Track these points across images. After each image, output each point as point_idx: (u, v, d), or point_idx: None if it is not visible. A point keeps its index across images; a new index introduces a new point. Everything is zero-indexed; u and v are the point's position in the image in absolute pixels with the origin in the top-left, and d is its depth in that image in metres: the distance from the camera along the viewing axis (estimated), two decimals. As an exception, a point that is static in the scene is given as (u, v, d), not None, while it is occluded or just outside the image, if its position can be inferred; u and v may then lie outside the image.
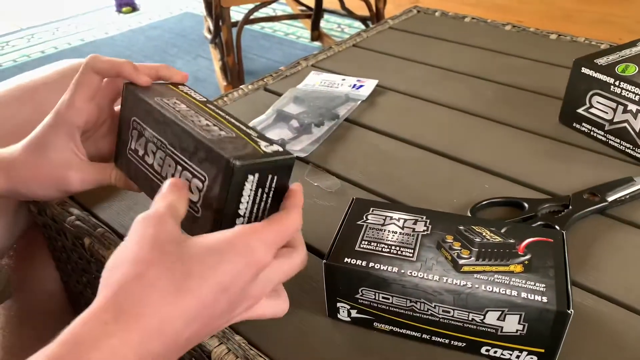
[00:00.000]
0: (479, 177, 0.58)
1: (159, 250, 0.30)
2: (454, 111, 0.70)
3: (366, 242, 0.40)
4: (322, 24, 2.17)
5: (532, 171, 0.58)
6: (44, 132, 0.44)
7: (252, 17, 1.82)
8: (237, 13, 2.29)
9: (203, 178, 0.36)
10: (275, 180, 0.37)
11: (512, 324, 0.36)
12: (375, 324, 0.40)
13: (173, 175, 0.39)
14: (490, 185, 0.56)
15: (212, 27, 1.81)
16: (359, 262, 0.38)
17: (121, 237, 0.50)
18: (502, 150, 0.62)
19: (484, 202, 0.52)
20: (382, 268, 0.37)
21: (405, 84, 0.77)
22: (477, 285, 0.36)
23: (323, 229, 0.50)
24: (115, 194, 0.57)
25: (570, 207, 0.51)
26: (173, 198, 0.34)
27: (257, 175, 0.36)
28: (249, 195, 0.36)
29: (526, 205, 0.51)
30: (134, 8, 2.76)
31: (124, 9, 2.72)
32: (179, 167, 0.38)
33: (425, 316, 0.38)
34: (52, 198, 0.48)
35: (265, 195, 0.37)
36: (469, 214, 0.51)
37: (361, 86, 0.76)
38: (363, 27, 2.09)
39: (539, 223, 0.50)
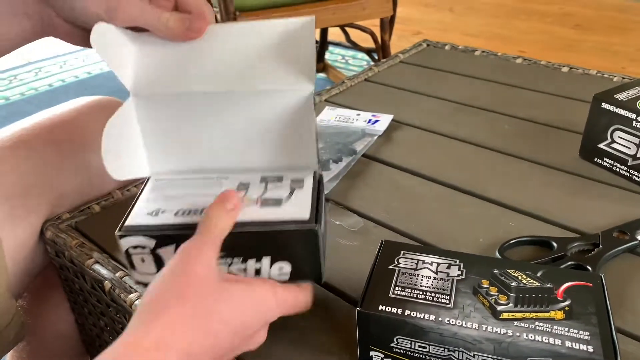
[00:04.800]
0: (503, 214, 0.57)
1: (201, 287, 0.34)
2: (473, 146, 0.70)
3: (400, 288, 0.39)
4: (326, 55, 2.19)
5: (557, 208, 0.57)
6: None
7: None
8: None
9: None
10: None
11: (556, 375, 0.35)
12: (410, 373, 0.39)
13: None
14: (515, 223, 0.55)
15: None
16: (394, 309, 0.37)
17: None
18: (524, 187, 0.61)
19: (512, 242, 0.51)
20: (418, 316, 0.36)
21: (421, 119, 0.77)
22: (518, 334, 0.35)
23: (349, 271, 0.49)
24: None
25: (601, 246, 0.50)
26: (219, 218, 0.37)
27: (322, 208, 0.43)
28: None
29: (555, 244, 0.50)
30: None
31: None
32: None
33: (463, 365, 0.37)
34: (92, 16, 0.40)
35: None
36: (497, 254, 0.50)
37: (377, 121, 0.76)
38: (367, 58, 2.11)
39: (569, 263, 0.48)
